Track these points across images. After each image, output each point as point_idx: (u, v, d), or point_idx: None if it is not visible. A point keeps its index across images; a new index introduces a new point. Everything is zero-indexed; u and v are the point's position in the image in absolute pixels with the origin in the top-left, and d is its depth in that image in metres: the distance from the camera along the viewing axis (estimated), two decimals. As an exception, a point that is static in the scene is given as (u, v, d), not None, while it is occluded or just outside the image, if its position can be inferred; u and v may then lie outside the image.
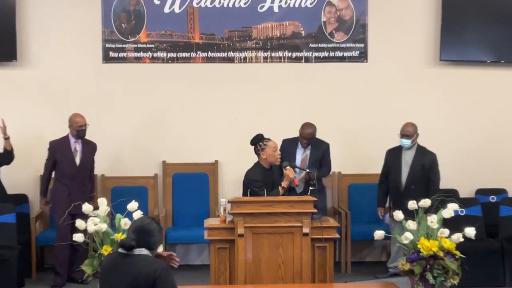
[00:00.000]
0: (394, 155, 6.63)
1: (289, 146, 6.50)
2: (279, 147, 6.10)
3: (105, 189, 7.21)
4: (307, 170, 5.93)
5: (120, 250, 3.66)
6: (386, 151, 6.71)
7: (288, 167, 5.60)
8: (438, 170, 6.49)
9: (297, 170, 6.06)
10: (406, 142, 6.50)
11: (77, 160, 6.53)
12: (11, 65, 7.24)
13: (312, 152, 6.50)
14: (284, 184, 5.56)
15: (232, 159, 7.28)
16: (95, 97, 7.31)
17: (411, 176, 6.48)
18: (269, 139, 5.61)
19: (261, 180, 5.53)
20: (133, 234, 3.64)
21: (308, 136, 6.44)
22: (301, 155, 6.51)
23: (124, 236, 4.66)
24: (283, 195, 5.53)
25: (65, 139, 6.55)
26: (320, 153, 6.50)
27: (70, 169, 6.48)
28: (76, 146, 6.54)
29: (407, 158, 6.54)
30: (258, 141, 5.61)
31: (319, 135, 6.58)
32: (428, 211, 4.97)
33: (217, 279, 5.15)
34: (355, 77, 7.48)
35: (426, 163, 6.45)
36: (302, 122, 6.56)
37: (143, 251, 3.62)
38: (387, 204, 6.78)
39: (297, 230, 5.11)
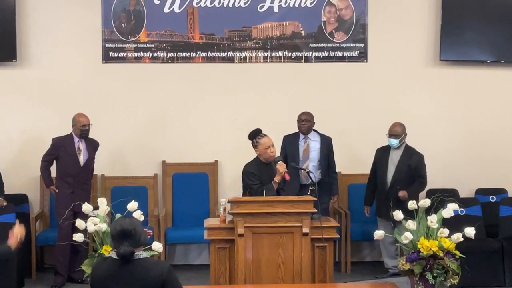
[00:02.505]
0: (382, 154, 6.70)
1: (290, 141, 6.62)
2: (280, 143, 6.14)
3: (105, 189, 7.20)
4: (307, 170, 5.93)
5: (115, 256, 3.49)
6: (376, 150, 6.75)
7: (280, 161, 5.55)
8: (424, 171, 6.53)
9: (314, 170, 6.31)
10: (394, 142, 6.54)
11: (81, 160, 6.53)
12: (11, 65, 7.24)
13: (322, 147, 6.60)
14: (276, 179, 5.50)
15: (232, 159, 7.27)
16: (95, 97, 7.31)
17: (396, 176, 6.52)
18: (263, 136, 5.57)
19: (257, 173, 5.49)
20: (123, 240, 3.46)
21: (304, 118, 6.56)
22: (302, 146, 6.59)
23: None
24: (277, 191, 5.52)
25: (69, 137, 6.54)
26: (326, 147, 6.61)
27: (74, 168, 6.48)
28: (80, 145, 6.54)
29: (394, 158, 6.58)
30: (254, 137, 5.62)
31: (319, 131, 6.63)
32: (428, 211, 4.98)
33: (217, 279, 5.15)
34: (355, 77, 7.48)
35: (412, 164, 6.50)
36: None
37: (142, 254, 3.53)
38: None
39: (297, 230, 5.11)
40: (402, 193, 6.37)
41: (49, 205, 7.11)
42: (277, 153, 6.36)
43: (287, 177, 5.52)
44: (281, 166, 5.50)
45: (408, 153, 6.56)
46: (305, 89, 7.47)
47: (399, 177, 6.50)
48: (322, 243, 5.15)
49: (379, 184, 6.65)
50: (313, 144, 6.63)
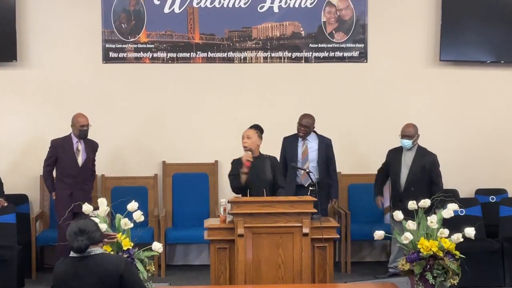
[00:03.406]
0: (394, 155, 6.61)
1: (289, 142, 6.60)
2: (280, 143, 6.43)
3: (105, 189, 7.21)
4: (308, 170, 5.93)
5: (73, 254, 3.63)
6: (388, 151, 6.70)
7: (248, 152, 5.65)
8: (439, 171, 6.49)
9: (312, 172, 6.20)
10: (407, 142, 6.48)
11: (80, 160, 6.53)
12: (11, 65, 7.24)
13: (320, 149, 6.58)
14: (242, 169, 5.60)
15: (232, 159, 7.27)
16: (95, 97, 7.31)
17: (410, 178, 6.46)
18: (249, 128, 5.74)
19: (238, 163, 5.63)
20: (79, 236, 3.59)
21: (305, 124, 6.51)
22: (301, 147, 6.58)
23: (124, 236, 4.67)
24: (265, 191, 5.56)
25: (67, 138, 6.55)
26: (326, 149, 6.59)
27: (72, 168, 6.48)
28: (79, 146, 6.54)
29: (407, 159, 6.52)
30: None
31: (319, 133, 6.60)
32: (428, 211, 4.97)
33: (217, 279, 5.16)
34: (355, 77, 7.49)
35: (426, 164, 6.44)
36: (302, 122, 6.63)
37: (98, 250, 3.62)
38: (387, 204, 6.81)
39: (297, 230, 5.11)
40: None
41: (49, 205, 7.11)
42: (277, 153, 6.42)
43: (247, 164, 5.57)
44: (245, 155, 5.61)
45: (421, 154, 6.49)
46: (305, 90, 7.47)
47: (412, 179, 6.43)
48: (322, 243, 5.16)
49: (393, 186, 6.60)
50: (311, 145, 6.62)
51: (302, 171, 6.38)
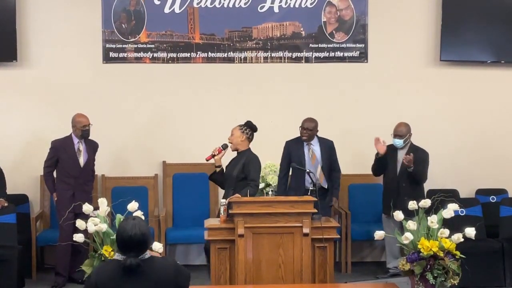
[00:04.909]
0: (391, 153, 6.60)
1: (294, 146, 6.46)
2: (280, 144, 6.45)
3: (105, 189, 7.20)
4: (308, 170, 5.90)
5: (118, 257, 3.48)
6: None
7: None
8: (425, 167, 6.48)
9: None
10: (399, 142, 6.50)
11: (81, 161, 6.53)
12: (11, 65, 7.24)
13: (322, 152, 6.46)
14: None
15: (232, 159, 7.27)
16: (95, 97, 7.31)
17: (401, 174, 6.49)
18: None
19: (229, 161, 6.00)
20: (130, 250, 3.43)
21: (307, 127, 6.38)
22: (308, 152, 6.44)
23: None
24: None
25: (68, 139, 6.54)
26: (328, 152, 6.47)
27: (74, 169, 6.47)
28: (80, 146, 6.54)
29: (399, 157, 6.54)
30: None
31: (319, 134, 6.59)
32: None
33: (217, 279, 5.16)
34: (355, 77, 7.49)
35: (416, 160, 6.43)
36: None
37: (147, 254, 3.51)
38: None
39: (297, 230, 5.11)
40: (407, 159, 6.30)
41: (49, 205, 7.11)
42: (278, 158, 6.52)
43: (208, 158, 6.01)
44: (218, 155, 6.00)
45: (413, 151, 6.48)
46: (305, 90, 7.47)
47: (403, 176, 6.45)
48: (322, 243, 5.16)
49: (388, 183, 6.62)
50: (316, 149, 6.48)
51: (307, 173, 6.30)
